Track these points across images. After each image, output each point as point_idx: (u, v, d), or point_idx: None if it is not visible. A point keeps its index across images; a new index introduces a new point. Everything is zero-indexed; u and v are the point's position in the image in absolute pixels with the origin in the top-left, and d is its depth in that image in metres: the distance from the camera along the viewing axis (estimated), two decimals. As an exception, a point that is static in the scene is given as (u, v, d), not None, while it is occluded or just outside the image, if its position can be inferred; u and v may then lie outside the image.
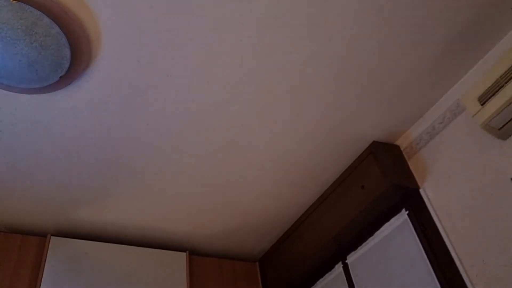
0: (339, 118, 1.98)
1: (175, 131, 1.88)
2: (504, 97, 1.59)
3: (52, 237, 2.22)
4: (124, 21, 1.44)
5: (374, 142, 2.12)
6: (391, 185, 1.93)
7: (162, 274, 2.38)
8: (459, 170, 1.85)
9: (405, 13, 1.58)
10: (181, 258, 2.51)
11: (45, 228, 2.30)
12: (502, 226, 1.63)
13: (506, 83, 1.60)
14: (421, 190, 2.00)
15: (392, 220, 2.11)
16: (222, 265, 2.66)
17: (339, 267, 2.38)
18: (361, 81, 1.82)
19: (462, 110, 1.89)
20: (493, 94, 1.64)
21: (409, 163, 2.11)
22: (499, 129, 1.66)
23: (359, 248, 2.27)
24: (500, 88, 1.62)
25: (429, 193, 1.97)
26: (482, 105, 1.67)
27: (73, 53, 1.46)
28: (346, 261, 2.34)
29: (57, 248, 2.20)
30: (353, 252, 2.31)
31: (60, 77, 1.51)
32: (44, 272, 2.09)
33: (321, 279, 2.51)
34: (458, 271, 1.75)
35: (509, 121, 1.63)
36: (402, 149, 2.16)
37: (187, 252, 2.56)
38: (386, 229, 2.13)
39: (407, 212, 2.04)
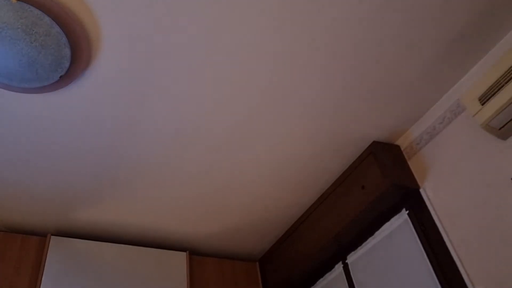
0: (339, 118, 1.98)
1: (175, 131, 1.88)
2: (504, 97, 1.59)
3: (52, 236, 2.22)
4: (124, 21, 1.44)
5: (374, 142, 2.12)
6: (391, 185, 1.93)
7: (162, 274, 2.38)
8: (459, 170, 1.85)
9: (405, 13, 1.58)
10: (181, 258, 2.51)
11: (45, 228, 2.31)
12: (502, 226, 1.63)
13: (506, 83, 1.60)
14: (421, 190, 2.00)
15: (392, 220, 2.11)
16: (222, 265, 2.66)
17: (339, 267, 2.38)
18: (361, 81, 1.82)
19: (462, 110, 1.89)
20: (494, 94, 1.64)
21: (409, 163, 2.11)
22: (499, 129, 1.66)
23: (359, 248, 2.27)
24: (500, 88, 1.62)
25: (429, 193, 1.97)
26: (482, 105, 1.67)
27: (73, 53, 1.46)
28: (346, 261, 2.34)
29: (57, 248, 2.20)
30: (353, 252, 2.31)
31: (60, 76, 1.51)
32: (44, 272, 2.09)
33: (321, 279, 2.51)
34: (458, 271, 1.75)
35: (509, 121, 1.62)
36: (402, 149, 2.16)
37: (187, 252, 2.56)
38: (386, 229, 2.13)
39: (407, 212, 2.04)
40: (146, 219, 2.37)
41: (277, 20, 1.52)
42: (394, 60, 1.75)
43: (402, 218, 2.06)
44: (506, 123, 1.63)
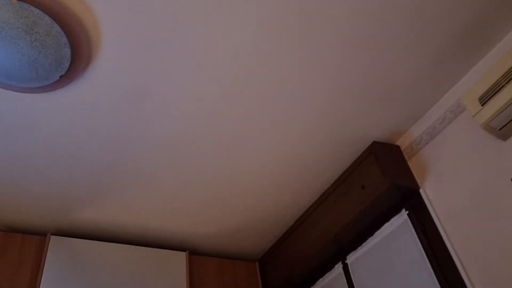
0: (340, 118, 1.98)
1: (174, 131, 1.88)
2: (504, 98, 1.59)
3: (52, 236, 2.22)
4: (124, 21, 1.44)
5: (374, 142, 2.12)
6: (391, 185, 1.93)
7: (162, 274, 2.38)
8: (459, 170, 1.85)
9: (405, 13, 1.58)
10: (181, 258, 2.51)
11: (45, 227, 2.31)
12: (502, 227, 1.63)
13: (506, 83, 1.60)
14: (421, 190, 2.00)
15: (392, 220, 2.11)
16: (222, 265, 2.66)
17: (339, 267, 2.38)
18: (362, 81, 1.82)
19: (463, 110, 1.89)
20: (494, 95, 1.64)
21: (409, 163, 2.11)
22: (500, 129, 1.66)
23: (359, 248, 2.27)
24: (500, 89, 1.62)
25: (429, 193, 1.97)
26: (482, 105, 1.67)
27: (74, 53, 1.46)
28: (346, 261, 2.34)
29: (57, 247, 2.20)
30: (353, 252, 2.31)
31: (60, 76, 1.51)
32: (44, 271, 2.10)
33: (321, 279, 2.51)
34: (458, 271, 1.75)
35: (510, 121, 1.62)
36: (402, 149, 2.16)
37: (187, 251, 2.56)
38: (386, 229, 2.13)
39: (407, 212, 2.04)
40: (146, 219, 2.37)
41: (276, 20, 1.52)
42: (395, 60, 1.75)
43: (402, 218, 2.06)
44: (506, 124, 1.63)
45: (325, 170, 2.26)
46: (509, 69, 1.60)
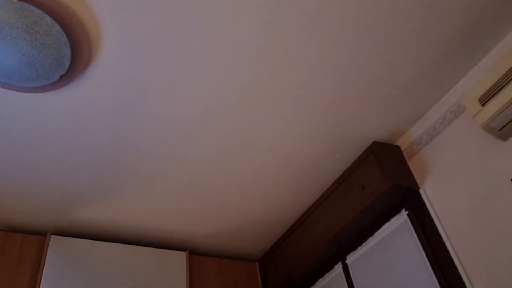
0: (340, 119, 1.98)
1: (174, 131, 1.88)
2: (504, 98, 1.59)
3: (52, 236, 2.22)
4: (124, 21, 1.44)
5: (374, 142, 2.12)
6: (391, 185, 1.93)
7: (162, 274, 2.38)
8: (459, 170, 1.85)
9: (405, 14, 1.58)
10: (181, 258, 2.51)
11: (45, 227, 2.31)
12: (502, 227, 1.63)
13: (507, 83, 1.60)
14: (421, 191, 2.00)
15: (392, 220, 2.11)
16: (222, 264, 2.66)
17: (338, 267, 2.38)
18: (362, 81, 1.82)
19: (463, 110, 1.89)
20: (494, 95, 1.64)
21: (409, 163, 2.11)
22: (500, 130, 1.66)
23: (359, 248, 2.27)
24: (501, 89, 1.62)
25: (429, 193, 1.97)
26: (482, 105, 1.67)
27: (74, 52, 1.46)
28: (346, 261, 2.34)
29: (57, 247, 2.20)
30: (352, 252, 2.31)
31: (61, 76, 1.51)
32: (44, 271, 2.10)
33: (320, 279, 2.51)
34: (457, 272, 1.74)
35: (510, 122, 1.62)
36: (402, 149, 2.16)
37: (187, 251, 2.56)
38: (386, 229, 2.13)
39: (407, 212, 2.04)
40: (146, 218, 2.37)
41: (277, 20, 1.52)
42: (395, 60, 1.75)
43: (402, 219, 2.06)
44: (506, 124, 1.63)
45: (325, 170, 2.26)
46: (509, 70, 1.60)
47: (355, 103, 1.92)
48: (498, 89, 1.63)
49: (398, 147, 2.17)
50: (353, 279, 2.27)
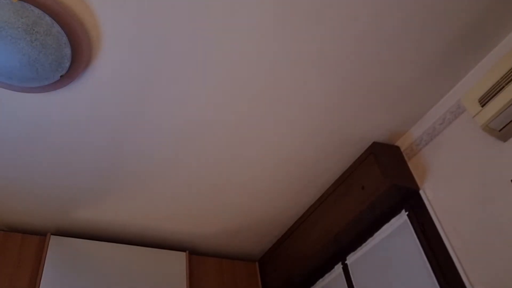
0: (340, 119, 1.98)
1: (175, 131, 1.88)
2: (504, 99, 1.59)
3: (52, 236, 2.22)
4: (124, 21, 1.45)
5: (374, 142, 2.12)
6: (391, 185, 1.93)
7: (162, 274, 2.38)
8: (459, 171, 1.85)
9: (405, 14, 1.58)
10: (181, 258, 2.51)
11: (45, 227, 2.31)
12: (502, 227, 1.63)
13: (506, 84, 1.60)
14: (421, 191, 2.00)
15: (392, 220, 2.11)
16: (222, 265, 2.66)
17: (338, 268, 2.38)
18: (362, 82, 1.82)
19: (463, 111, 1.89)
20: (494, 96, 1.64)
21: (409, 164, 2.11)
22: (500, 130, 1.66)
23: (358, 248, 2.27)
24: (500, 90, 1.62)
25: (429, 194, 1.97)
26: (482, 106, 1.67)
27: (74, 53, 1.46)
28: (346, 262, 2.34)
29: (57, 247, 2.20)
30: (352, 253, 2.31)
31: (61, 76, 1.52)
32: (44, 271, 2.10)
33: (320, 280, 2.51)
34: (457, 272, 1.74)
35: (510, 122, 1.62)
36: (402, 150, 2.16)
37: (187, 251, 2.56)
38: (386, 229, 2.13)
39: (407, 213, 2.04)
40: (146, 219, 2.37)
41: (276, 20, 1.52)
42: (395, 60, 1.75)
43: (401, 219, 2.06)
44: (506, 125, 1.63)
45: (325, 171, 2.26)
46: (509, 70, 1.60)
47: (355, 104, 1.92)
48: (498, 89, 1.63)
49: (398, 147, 2.17)
50: (353, 279, 2.27)
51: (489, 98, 1.65)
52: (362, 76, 1.79)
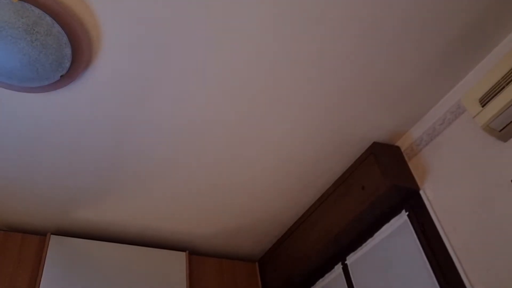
0: (340, 119, 1.98)
1: (175, 131, 1.88)
2: (505, 99, 1.59)
3: (52, 236, 2.22)
4: (124, 21, 1.45)
5: (374, 143, 2.12)
6: (391, 186, 1.93)
7: (162, 274, 2.38)
8: (460, 171, 1.85)
9: (405, 14, 1.58)
10: (181, 258, 2.51)
11: (45, 227, 2.31)
12: (502, 227, 1.63)
13: (507, 84, 1.60)
14: (421, 191, 2.00)
15: (392, 221, 2.11)
16: (222, 265, 2.66)
17: (338, 268, 2.38)
18: (362, 82, 1.82)
19: (463, 111, 1.89)
20: (494, 96, 1.64)
21: (409, 164, 2.11)
22: (500, 130, 1.66)
23: (358, 249, 2.27)
24: (501, 90, 1.62)
25: (429, 194, 1.97)
26: (483, 106, 1.67)
27: (74, 53, 1.46)
28: (346, 262, 2.34)
29: (57, 247, 2.20)
30: (352, 253, 2.31)
31: (61, 76, 1.52)
32: (44, 271, 2.10)
33: (320, 280, 2.51)
34: (457, 273, 1.74)
35: (510, 123, 1.62)
36: (402, 150, 2.16)
37: (187, 252, 2.56)
38: (386, 230, 2.13)
39: (407, 213, 2.04)
40: (146, 219, 2.37)
41: (277, 20, 1.52)
42: (395, 60, 1.75)
43: (402, 219, 2.06)
44: (507, 125, 1.63)
45: (325, 171, 2.26)
46: (509, 70, 1.60)
47: (355, 104, 1.92)
48: (498, 90, 1.63)
49: (398, 147, 2.17)
50: (353, 279, 2.27)
51: (489, 98, 1.65)
52: (362, 76, 1.79)
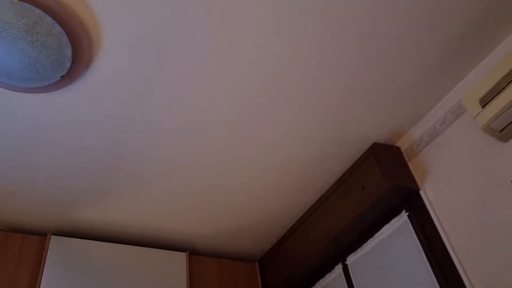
0: (340, 120, 1.98)
1: (175, 131, 1.88)
2: (505, 99, 1.59)
3: (52, 236, 2.22)
4: (125, 21, 1.44)
5: (374, 143, 2.12)
6: (391, 186, 1.93)
7: (162, 274, 2.38)
8: (460, 171, 1.85)
9: (406, 15, 1.58)
10: (181, 258, 2.51)
11: (45, 227, 2.31)
12: (502, 228, 1.63)
13: (507, 85, 1.60)
14: (421, 192, 2.00)
15: (392, 221, 2.11)
16: (222, 265, 2.66)
17: (338, 268, 2.38)
18: (362, 82, 1.82)
19: (463, 111, 1.89)
20: (495, 96, 1.63)
21: (409, 164, 2.11)
22: (500, 131, 1.66)
23: (359, 249, 2.27)
24: (501, 90, 1.62)
25: (429, 194, 1.97)
26: (483, 107, 1.67)
27: (75, 53, 1.46)
28: (346, 262, 2.34)
29: (57, 247, 2.20)
30: (353, 253, 2.31)
31: (61, 76, 1.51)
32: (44, 271, 2.10)
33: (320, 280, 2.51)
34: (458, 273, 1.74)
35: (510, 123, 1.62)
36: (402, 150, 2.16)
37: (187, 252, 2.56)
38: (386, 230, 2.13)
39: (407, 213, 2.04)
40: (146, 219, 2.37)
41: (277, 20, 1.52)
42: (395, 61, 1.75)
43: (402, 220, 2.06)
44: (507, 125, 1.63)
45: (326, 171, 2.26)
46: (510, 71, 1.60)
47: (356, 104, 1.92)
48: (498, 90, 1.63)
49: (398, 148, 2.17)
50: (353, 280, 2.27)
51: (490, 98, 1.65)
52: (362, 77, 1.79)
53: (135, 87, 1.67)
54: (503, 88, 1.61)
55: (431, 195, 1.96)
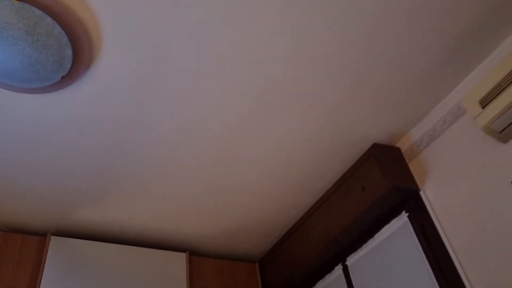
0: (340, 120, 1.98)
1: (175, 132, 1.88)
2: (505, 100, 1.59)
3: (52, 236, 2.22)
4: (125, 21, 1.44)
5: (375, 144, 2.12)
6: (391, 187, 1.93)
7: (162, 274, 2.38)
8: (460, 172, 1.85)
9: (406, 17, 1.58)
10: (181, 258, 2.51)
11: (45, 227, 2.31)
12: (502, 229, 1.63)
13: (507, 86, 1.60)
14: (421, 192, 2.00)
15: (393, 222, 2.11)
16: (222, 265, 2.67)
17: (339, 269, 2.38)
18: (362, 83, 1.82)
19: (463, 112, 1.89)
20: (494, 97, 1.64)
21: (409, 165, 2.11)
22: (500, 132, 1.66)
23: (359, 250, 2.27)
24: (501, 91, 1.62)
25: (429, 195, 1.97)
26: (483, 108, 1.67)
27: (75, 53, 1.46)
28: (346, 263, 2.34)
29: (57, 248, 2.20)
30: (353, 254, 2.31)
31: (62, 77, 1.52)
32: (44, 272, 2.10)
33: (321, 281, 2.51)
34: (458, 274, 1.74)
35: (510, 124, 1.62)
36: (403, 151, 2.16)
37: (187, 252, 2.56)
38: (386, 231, 2.13)
39: (407, 214, 2.04)
40: (146, 219, 2.37)
41: (278, 20, 1.52)
42: (396, 62, 1.75)
43: (402, 220, 2.06)
44: (507, 126, 1.63)
45: (326, 172, 2.26)
46: (510, 72, 1.60)
47: (356, 105, 1.92)
48: (498, 91, 1.63)
49: (398, 149, 2.17)
50: (353, 280, 2.27)
51: (490, 99, 1.65)
52: (363, 78, 1.79)
53: (135, 88, 1.67)
54: (503, 89, 1.61)
55: (431, 195, 1.96)
